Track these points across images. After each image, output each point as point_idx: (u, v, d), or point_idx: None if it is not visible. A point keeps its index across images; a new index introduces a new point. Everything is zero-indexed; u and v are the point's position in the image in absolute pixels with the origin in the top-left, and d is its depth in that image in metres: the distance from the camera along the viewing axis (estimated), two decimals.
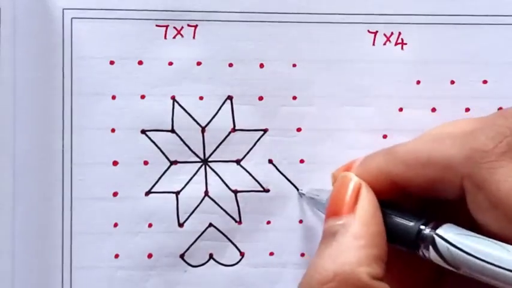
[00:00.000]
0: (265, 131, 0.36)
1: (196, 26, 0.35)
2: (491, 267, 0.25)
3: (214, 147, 0.36)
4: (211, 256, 0.36)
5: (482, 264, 0.25)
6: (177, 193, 0.35)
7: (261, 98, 0.36)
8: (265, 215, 0.36)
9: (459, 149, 0.26)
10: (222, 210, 0.36)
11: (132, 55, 0.35)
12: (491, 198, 0.25)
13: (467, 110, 0.36)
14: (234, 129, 0.36)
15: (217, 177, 0.36)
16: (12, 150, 0.34)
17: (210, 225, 0.36)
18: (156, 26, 0.35)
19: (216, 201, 0.36)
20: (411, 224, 0.28)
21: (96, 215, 0.35)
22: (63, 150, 0.35)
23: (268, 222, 0.36)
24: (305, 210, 0.36)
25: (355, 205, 0.28)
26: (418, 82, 0.36)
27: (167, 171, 0.35)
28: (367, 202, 0.28)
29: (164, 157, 0.35)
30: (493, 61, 0.36)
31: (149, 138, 0.35)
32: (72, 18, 0.34)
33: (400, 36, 0.36)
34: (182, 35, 0.35)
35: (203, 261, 0.36)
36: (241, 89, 0.35)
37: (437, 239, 0.27)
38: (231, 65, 0.35)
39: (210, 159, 0.36)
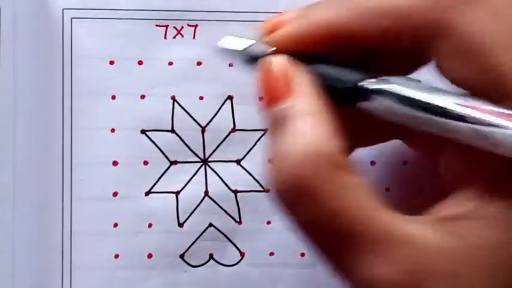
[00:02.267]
0: (265, 130, 0.36)
1: (196, 26, 0.35)
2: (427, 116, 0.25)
3: (214, 147, 0.36)
4: (211, 256, 0.36)
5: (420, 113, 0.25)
6: (177, 193, 0.35)
7: (261, 98, 0.35)
8: (265, 215, 0.36)
9: None
10: (222, 210, 0.36)
11: (132, 55, 0.35)
12: (461, 41, 0.24)
13: None
14: (234, 129, 0.36)
15: (217, 177, 0.36)
16: (12, 150, 0.34)
17: (210, 225, 0.36)
18: (156, 26, 0.35)
19: (216, 201, 0.36)
20: (351, 76, 0.27)
21: (96, 215, 0.35)
22: (63, 150, 0.35)
23: (268, 222, 0.36)
24: None
25: (290, 85, 0.27)
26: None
27: (167, 171, 0.35)
28: (302, 78, 0.27)
29: (164, 157, 0.35)
30: None
31: (149, 138, 0.35)
32: (72, 18, 0.34)
33: None
34: (182, 35, 0.35)
35: (203, 261, 0.36)
36: (241, 89, 0.35)
37: (381, 88, 0.26)
38: (231, 65, 0.35)
39: (210, 159, 0.36)
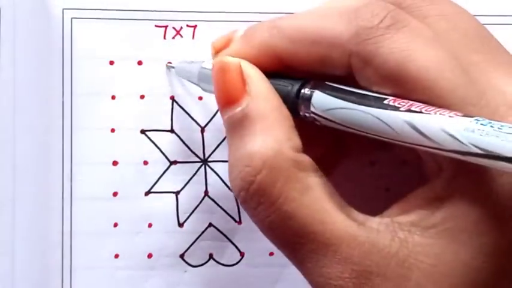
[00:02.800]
0: None
1: (196, 26, 0.35)
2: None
3: (214, 147, 0.36)
4: (211, 256, 0.36)
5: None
6: (177, 193, 0.35)
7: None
8: None
9: (346, 27, 0.26)
10: (222, 210, 0.36)
11: (132, 55, 0.35)
12: (379, 71, 0.25)
13: None
14: None
15: (217, 177, 0.36)
16: (12, 150, 0.34)
17: (210, 225, 0.36)
18: (156, 26, 0.35)
19: (216, 201, 0.36)
20: (291, 86, 0.27)
21: (96, 215, 0.35)
22: (63, 150, 0.35)
23: None
24: None
25: (245, 86, 0.27)
26: None
27: (167, 171, 0.35)
28: (256, 78, 0.27)
29: (164, 157, 0.35)
30: None
31: (149, 138, 0.35)
32: (72, 18, 0.34)
33: None
34: (181, 35, 0.35)
35: (203, 261, 0.36)
36: None
37: (312, 100, 0.27)
38: None
39: (209, 159, 0.36)
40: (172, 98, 0.35)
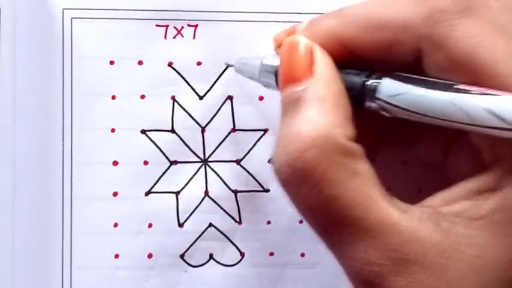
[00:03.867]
0: (265, 131, 0.36)
1: (197, 26, 0.35)
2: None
3: (214, 147, 0.36)
4: (211, 256, 0.36)
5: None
6: (177, 193, 0.35)
7: (261, 98, 0.36)
8: (265, 215, 0.36)
9: (417, 10, 0.26)
10: (222, 210, 0.36)
11: (132, 55, 0.35)
12: (451, 56, 0.25)
13: None
14: (234, 129, 0.36)
15: (217, 177, 0.36)
16: (12, 150, 0.34)
17: (210, 225, 0.36)
18: (156, 26, 0.35)
19: (216, 201, 0.36)
20: (357, 76, 0.27)
21: (96, 215, 0.35)
22: (63, 150, 0.35)
23: (269, 222, 0.36)
24: None
25: (311, 67, 0.27)
26: None
27: (167, 171, 0.35)
28: (324, 62, 0.27)
29: (164, 157, 0.35)
30: None
31: (149, 138, 0.35)
32: (72, 18, 0.34)
33: None
34: (182, 35, 0.35)
35: (203, 261, 0.36)
36: (241, 89, 0.35)
37: (379, 87, 0.26)
38: (230, 65, 0.35)
39: (210, 159, 0.36)
40: (173, 98, 0.35)
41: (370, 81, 0.27)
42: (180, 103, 0.35)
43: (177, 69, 0.35)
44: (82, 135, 0.35)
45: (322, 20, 0.28)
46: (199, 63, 0.35)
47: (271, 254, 0.36)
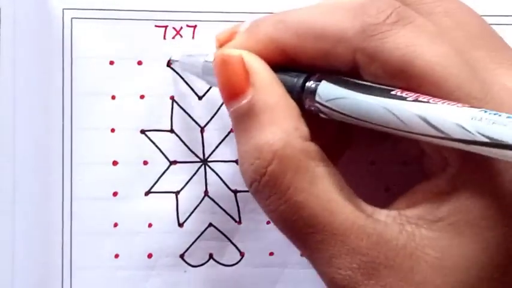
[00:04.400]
0: None
1: (196, 26, 0.35)
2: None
3: (214, 147, 0.35)
4: (211, 256, 0.36)
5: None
6: (177, 193, 0.35)
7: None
8: (265, 215, 0.36)
9: (351, 22, 0.26)
10: (222, 210, 0.36)
11: (131, 55, 0.35)
12: (385, 67, 0.25)
13: None
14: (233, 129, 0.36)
15: (217, 177, 0.36)
16: (12, 150, 0.34)
17: (210, 225, 0.36)
18: (156, 26, 0.35)
19: (216, 201, 0.36)
20: (296, 78, 0.27)
21: (96, 215, 0.35)
22: (63, 150, 0.35)
23: (268, 222, 0.36)
24: None
25: (248, 78, 0.27)
26: None
27: (167, 171, 0.35)
28: (260, 70, 0.27)
29: (164, 157, 0.35)
30: None
31: (149, 138, 0.35)
32: (72, 18, 0.34)
33: None
34: (181, 35, 0.35)
35: (203, 261, 0.36)
36: None
37: (318, 90, 0.26)
38: None
39: (209, 159, 0.36)
40: (172, 98, 0.35)
41: (309, 84, 0.27)
42: (180, 103, 0.35)
43: (176, 70, 0.35)
44: (82, 135, 0.35)
45: (262, 24, 0.29)
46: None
47: (271, 254, 0.36)
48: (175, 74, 0.35)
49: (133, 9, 0.35)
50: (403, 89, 0.25)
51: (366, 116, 0.25)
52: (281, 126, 0.26)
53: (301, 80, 0.27)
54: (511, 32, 0.36)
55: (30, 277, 0.34)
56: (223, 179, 0.36)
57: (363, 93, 0.25)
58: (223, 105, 0.35)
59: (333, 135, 0.30)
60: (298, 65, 0.28)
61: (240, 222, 0.36)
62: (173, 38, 0.35)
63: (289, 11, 0.29)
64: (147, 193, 0.35)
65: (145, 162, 0.35)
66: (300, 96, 0.27)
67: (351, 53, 0.26)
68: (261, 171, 0.26)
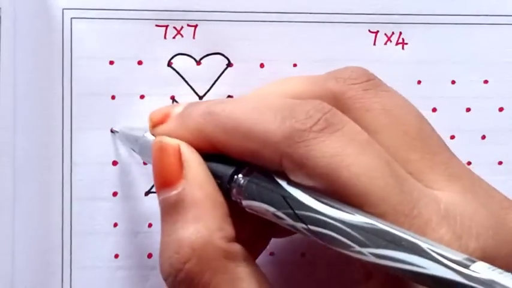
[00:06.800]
0: None
1: (196, 26, 0.35)
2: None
3: None
4: None
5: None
6: None
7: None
8: None
9: (279, 126, 0.26)
10: None
11: (132, 55, 0.35)
12: (310, 175, 0.25)
13: (468, 110, 0.36)
14: None
15: None
16: (12, 150, 0.34)
17: None
18: (156, 26, 0.35)
19: None
20: (225, 171, 0.28)
21: (96, 215, 0.35)
22: (63, 150, 0.35)
23: None
24: None
25: (182, 170, 0.27)
26: (419, 82, 0.36)
27: None
28: (194, 163, 0.27)
29: None
30: (494, 61, 0.36)
31: None
32: (72, 18, 0.34)
33: (401, 36, 0.36)
34: (182, 35, 0.35)
35: None
36: (241, 89, 0.35)
37: (244, 184, 0.27)
38: (231, 65, 0.35)
39: None
40: (173, 98, 0.35)
41: (235, 178, 0.27)
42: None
43: (177, 69, 0.35)
44: (82, 135, 0.35)
45: (194, 113, 0.28)
46: (198, 64, 0.35)
47: (271, 254, 0.36)
48: (175, 73, 0.35)
49: (134, 9, 0.35)
50: (330, 195, 0.25)
51: (285, 224, 0.26)
52: (205, 224, 0.26)
53: (228, 174, 0.27)
54: (511, 32, 0.36)
55: (30, 277, 0.34)
56: None
57: (281, 207, 0.25)
58: None
59: (261, 223, 0.30)
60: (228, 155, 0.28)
61: None
62: (174, 37, 0.35)
63: (220, 102, 0.29)
64: (147, 193, 0.35)
65: (145, 162, 0.35)
66: (228, 188, 0.27)
67: (277, 157, 0.26)
68: (178, 267, 0.26)
